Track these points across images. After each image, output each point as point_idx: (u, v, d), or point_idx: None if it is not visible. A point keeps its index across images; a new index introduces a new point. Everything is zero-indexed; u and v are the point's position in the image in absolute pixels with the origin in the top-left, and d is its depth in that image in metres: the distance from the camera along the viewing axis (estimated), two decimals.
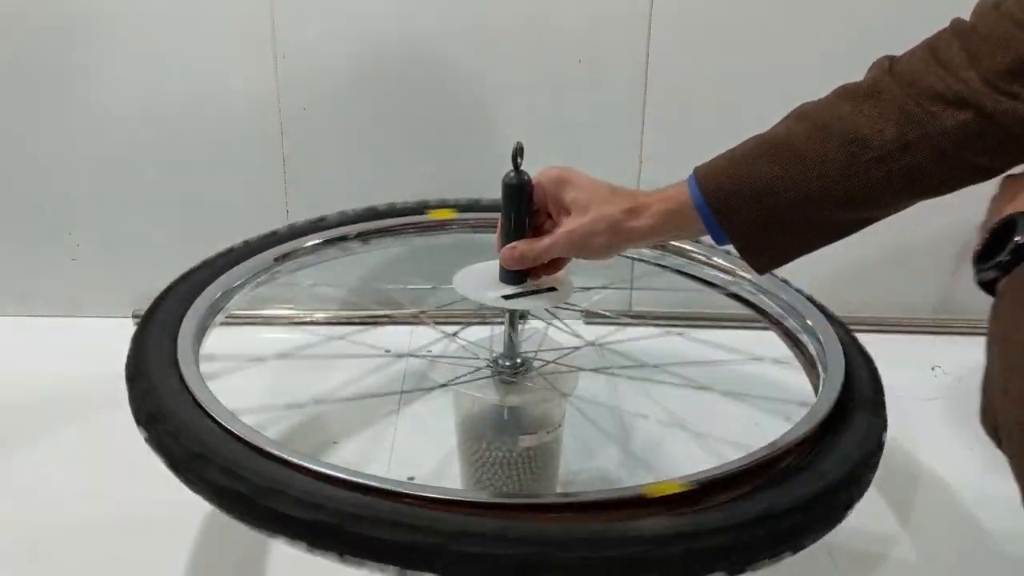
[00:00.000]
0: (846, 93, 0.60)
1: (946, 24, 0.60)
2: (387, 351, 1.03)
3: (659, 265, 0.93)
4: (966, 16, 0.59)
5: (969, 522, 0.85)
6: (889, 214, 0.62)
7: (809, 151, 0.58)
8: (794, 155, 0.59)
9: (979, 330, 1.27)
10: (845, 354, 0.72)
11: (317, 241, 0.91)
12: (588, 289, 0.92)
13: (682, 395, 0.97)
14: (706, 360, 0.96)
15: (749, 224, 0.61)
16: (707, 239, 0.65)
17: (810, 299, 0.84)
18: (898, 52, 1.15)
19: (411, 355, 0.91)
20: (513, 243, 0.69)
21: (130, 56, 1.07)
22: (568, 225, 0.67)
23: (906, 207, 0.61)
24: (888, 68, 0.58)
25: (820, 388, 0.70)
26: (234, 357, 0.73)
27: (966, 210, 1.22)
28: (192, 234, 1.15)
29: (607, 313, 1.09)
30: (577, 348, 0.82)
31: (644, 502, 0.54)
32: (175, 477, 0.57)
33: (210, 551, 0.78)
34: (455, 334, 0.82)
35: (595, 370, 0.89)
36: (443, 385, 0.76)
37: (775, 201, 0.59)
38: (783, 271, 0.87)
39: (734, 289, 0.89)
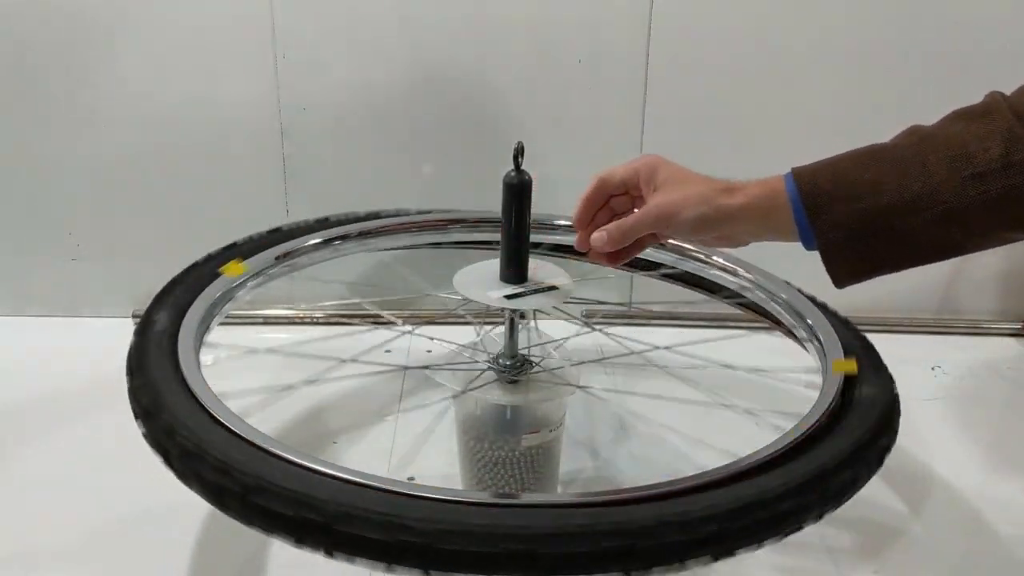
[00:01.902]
0: (959, 114, 0.60)
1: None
2: (387, 351, 1.03)
3: (658, 265, 0.93)
4: None
5: (969, 522, 0.85)
6: (979, 245, 0.59)
7: (912, 160, 0.58)
8: (896, 163, 0.59)
9: (979, 330, 1.28)
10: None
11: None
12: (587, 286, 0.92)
13: (682, 394, 0.97)
14: (706, 358, 0.96)
15: (839, 226, 0.59)
16: (793, 246, 0.63)
17: (811, 299, 0.84)
18: (898, 51, 1.16)
19: (412, 368, 0.91)
20: (601, 228, 0.67)
21: (130, 56, 1.07)
22: (657, 199, 0.65)
23: (998, 241, 0.59)
24: (1002, 97, 0.59)
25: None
26: (234, 356, 0.73)
27: None
28: (192, 234, 1.14)
29: (607, 303, 1.09)
30: (569, 337, 0.81)
31: None
32: (173, 475, 0.57)
33: (210, 551, 0.78)
34: (461, 345, 0.82)
35: (597, 360, 0.89)
36: (459, 392, 0.75)
37: (870, 204, 0.58)
38: (783, 272, 0.88)
39: (734, 289, 0.89)
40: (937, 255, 0.60)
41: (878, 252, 0.60)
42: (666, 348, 0.90)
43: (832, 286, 0.63)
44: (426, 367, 0.80)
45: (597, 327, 0.86)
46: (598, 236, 0.67)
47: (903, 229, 0.58)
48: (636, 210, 0.68)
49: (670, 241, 0.92)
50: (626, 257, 0.69)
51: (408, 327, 1.01)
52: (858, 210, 0.58)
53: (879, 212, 0.58)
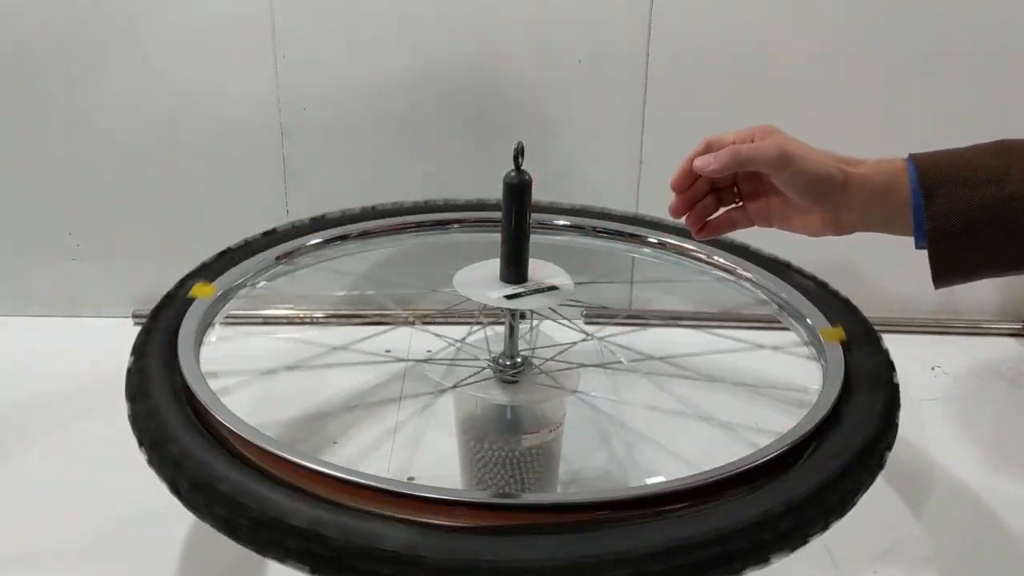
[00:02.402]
0: None
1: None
2: (387, 350, 1.03)
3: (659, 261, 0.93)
4: None
5: (970, 522, 0.85)
6: None
7: None
8: (1022, 153, 0.55)
9: (979, 330, 1.28)
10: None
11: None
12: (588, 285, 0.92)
13: (680, 395, 0.97)
14: (706, 356, 0.96)
15: (956, 212, 0.55)
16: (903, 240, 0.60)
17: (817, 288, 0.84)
18: (898, 51, 1.16)
19: (407, 359, 0.91)
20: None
21: (130, 56, 1.07)
22: (779, 138, 0.60)
23: None
24: None
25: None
26: (233, 358, 0.73)
27: None
28: (192, 234, 1.15)
29: (607, 308, 1.09)
30: (574, 343, 0.81)
31: None
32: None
33: (211, 550, 0.78)
34: (460, 338, 0.82)
35: (598, 365, 0.89)
36: (448, 387, 0.75)
37: (993, 192, 0.54)
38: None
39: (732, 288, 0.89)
40: None
41: (993, 246, 0.55)
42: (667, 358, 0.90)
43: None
44: (425, 360, 0.80)
45: (599, 336, 0.86)
46: (703, 159, 0.61)
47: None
48: (739, 202, 0.64)
49: (670, 242, 0.93)
50: (715, 231, 0.65)
51: (408, 327, 1.01)
52: (979, 197, 0.54)
53: (1003, 202, 0.54)
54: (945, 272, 0.58)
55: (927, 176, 0.56)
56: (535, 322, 0.83)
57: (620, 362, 0.85)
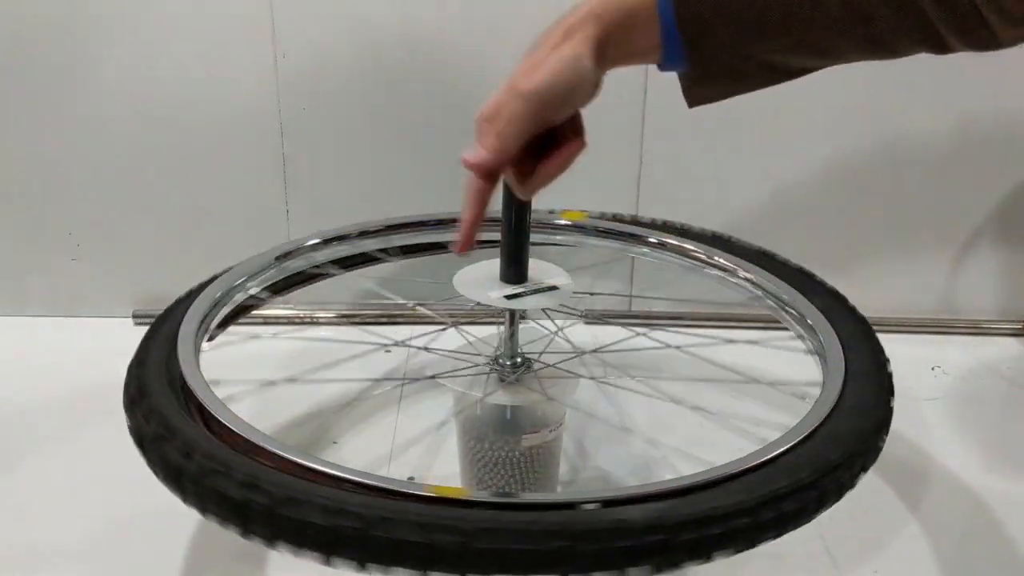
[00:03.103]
0: None
1: None
2: (387, 351, 1.03)
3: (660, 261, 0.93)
4: None
5: (969, 522, 0.85)
6: (836, 55, 0.55)
7: None
8: None
9: (979, 330, 1.28)
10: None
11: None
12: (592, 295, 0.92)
13: (680, 395, 0.97)
14: (707, 357, 0.96)
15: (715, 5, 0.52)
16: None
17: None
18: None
19: (408, 345, 0.90)
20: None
21: (130, 56, 1.07)
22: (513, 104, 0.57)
23: (852, 56, 0.55)
24: None
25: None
26: (233, 358, 0.73)
27: (965, 210, 1.23)
28: (192, 234, 1.15)
29: (607, 311, 1.09)
30: (580, 353, 0.81)
31: None
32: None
33: (211, 550, 0.78)
34: (451, 326, 0.82)
35: (594, 378, 0.89)
36: (434, 377, 0.75)
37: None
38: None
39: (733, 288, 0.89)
40: (798, 62, 0.54)
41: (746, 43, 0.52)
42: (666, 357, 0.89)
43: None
44: (432, 377, 0.80)
45: (597, 322, 0.86)
46: (469, 159, 0.59)
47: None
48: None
49: (671, 242, 0.92)
50: (536, 182, 0.61)
51: (407, 327, 1.01)
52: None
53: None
54: (698, 77, 0.56)
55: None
56: (530, 322, 0.83)
57: (608, 381, 0.84)
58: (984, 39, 0.53)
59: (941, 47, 0.54)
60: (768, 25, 0.52)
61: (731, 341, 0.82)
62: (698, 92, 0.58)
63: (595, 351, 0.82)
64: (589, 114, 1.12)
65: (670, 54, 0.56)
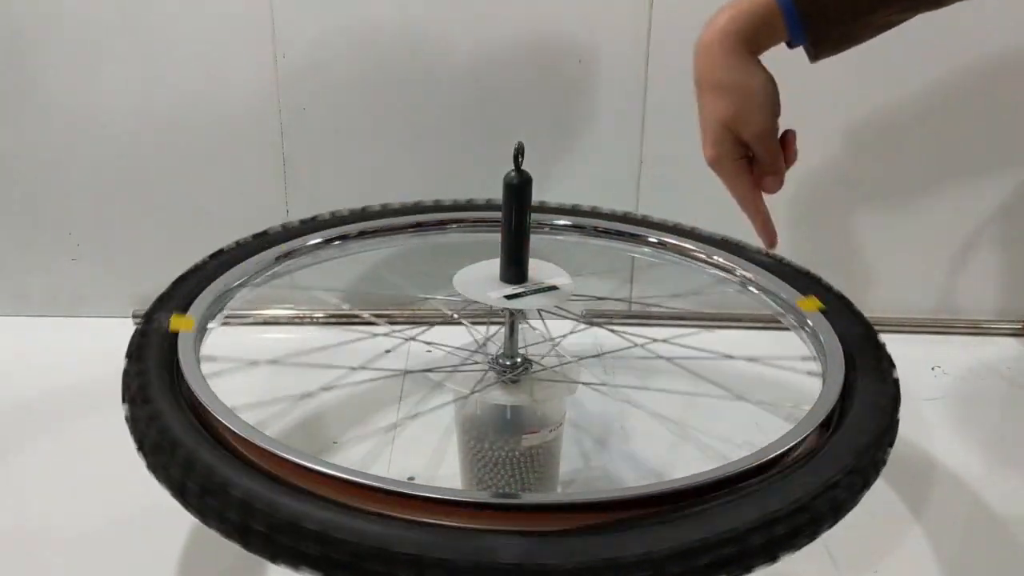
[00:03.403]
0: None
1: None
2: (387, 351, 1.03)
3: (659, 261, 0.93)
4: None
5: (970, 522, 0.85)
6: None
7: None
8: None
9: (979, 330, 1.28)
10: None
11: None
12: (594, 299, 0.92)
13: (682, 393, 0.97)
14: (706, 360, 0.96)
15: None
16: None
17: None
18: (901, 52, 1.15)
19: (412, 339, 0.90)
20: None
21: (130, 56, 1.07)
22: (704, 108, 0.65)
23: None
24: None
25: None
26: (233, 358, 0.73)
27: (965, 210, 1.23)
28: (192, 234, 1.15)
29: (607, 311, 1.09)
30: (580, 359, 0.81)
31: None
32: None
33: (211, 550, 0.78)
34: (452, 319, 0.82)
35: (595, 380, 0.89)
36: (467, 394, 0.75)
37: None
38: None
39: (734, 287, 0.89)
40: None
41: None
42: (663, 341, 0.89)
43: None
44: (428, 370, 0.80)
45: (597, 322, 0.86)
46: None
47: None
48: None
49: (670, 241, 0.92)
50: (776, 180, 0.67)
51: (407, 327, 1.00)
52: None
53: None
54: (827, 37, 0.62)
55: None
56: (529, 322, 0.83)
57: (604, 385, 0.84)
58: None
59: None
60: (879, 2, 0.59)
61: (730, 356, 0.82)
62: (820, 53, 0.64)
63: (595, 356, 0.82)
64: (589, 114, 1.12)
65: (794, 32, 0.62)
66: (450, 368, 0.78)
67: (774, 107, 0.64)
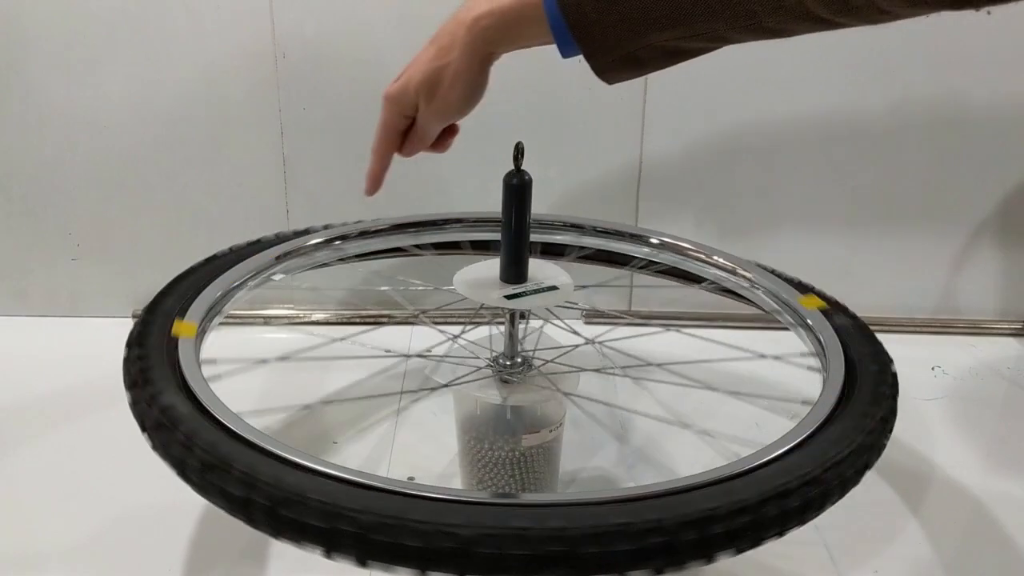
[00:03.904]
0: None
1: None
2: (387, 351, 1.03)
3: (658, 262, 0.93)
4: None
5: (970, 522, 0.85)
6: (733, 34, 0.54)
7: None
8: None
9: (979, 330, 1.28)
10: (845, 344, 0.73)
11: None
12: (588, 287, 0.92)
13: (682, 394, 0.97)
14: (706, 359, 0.96)
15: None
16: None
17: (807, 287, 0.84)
18: (900, 51, 1.15)
19: (414, 355, 0.91)
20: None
21: (130, 55, 1.07)
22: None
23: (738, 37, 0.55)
24: None
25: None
26: (233, 359, 0.73)
27: (965, 211, 1.23)
28: (192, 234, 1.15)
29: (608, 312, 1.09)
30: (576, 346, 0.81)
31: None
32: (179, 479, 0.57)
33: (210, 549, 0.78)
34: (456, 336, 0.82)
35: (597, 370, 0.89)
36: (445, 385, 0.76)
37: None
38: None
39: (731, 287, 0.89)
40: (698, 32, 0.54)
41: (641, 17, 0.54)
42: (664, 364, 0.90)
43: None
44: (424, 354, 0.80)
45: (598, 343, 0.86)
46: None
47: None
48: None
49: (667, 240, 0.92)
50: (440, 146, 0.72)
51: (407, 327, 1.01)
52: None
53: None
54: (605, 60, 0.58)
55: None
56: (534, 322, 0.83)
57: (614, 370, 0.84)
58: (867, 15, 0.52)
59: (830, 25, 0.54)
60: (654, 21, 0.54)
61: (729, 357, 0.82)
62: (607, 75, 0.61)
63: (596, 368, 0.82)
64: (589, 114, 1.13)
65: (566, 49, 0.59)
66: (450, 368, 0.78)
67: (467, 108, 0.67)
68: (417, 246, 0.94)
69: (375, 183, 0.72)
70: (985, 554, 0.81)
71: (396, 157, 0.74)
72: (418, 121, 0.68)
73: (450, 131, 0.72)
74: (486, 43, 0.61)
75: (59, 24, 1.06)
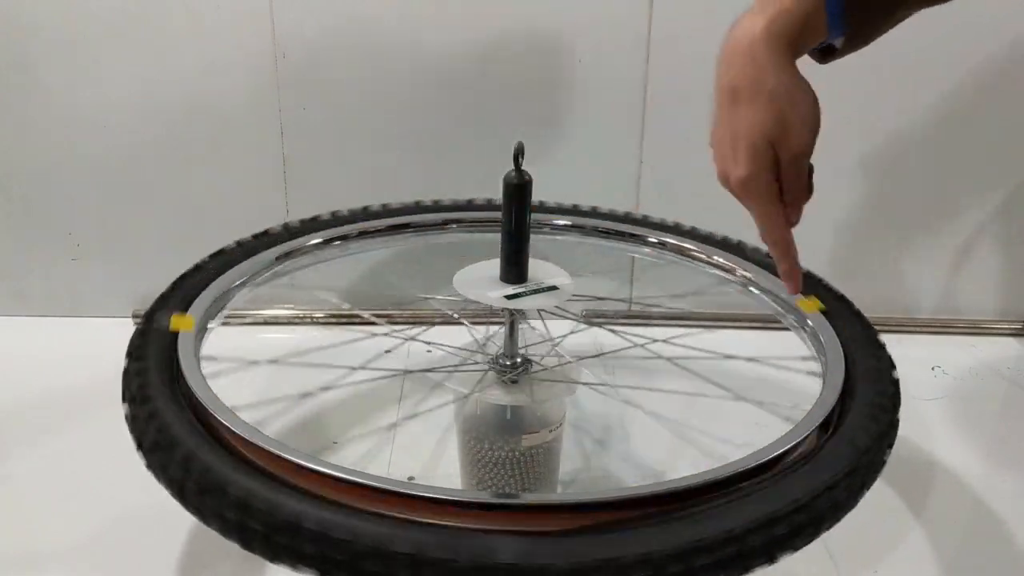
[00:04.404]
0: None
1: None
2: (387, 351, 1.03)
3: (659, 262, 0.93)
4: None
5: (970, 522, 0.85)
6: None
7: None
8: None
9: (979, 330, 1.28)
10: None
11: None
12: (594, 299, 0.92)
13: (682, 393, 0.97)
14: (706, 360, 0.96)
15: None
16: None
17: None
18: (903, 54, 1.15)
19: (412, 339, 0.91)
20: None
21: (130, 55, 1.07)
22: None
23: None
24: None
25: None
26: (233, 359, 0.73)
27: (965, 210, 1.23)
28: (192, 234, 1.15)
29: (607, 312, 1.09)
30: (569, 333, 0.81)
31: None
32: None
33: (210, 550, 0.78)
34: (452, 322, 0.82)
35: (595, 380, 0.89)
36: (442, 384, 0.76)
37: None
38: None
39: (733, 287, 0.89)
40: None
41: None
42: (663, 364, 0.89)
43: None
44: (428, 370, 0.80)
45: (596, 322, 0.86)
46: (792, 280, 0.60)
47: None
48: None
49: (670, 241, 0.92)
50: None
51: (407, 327, 1.00)
52: None
53: None
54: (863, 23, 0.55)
55: None
56: (529, 322, 0.83)
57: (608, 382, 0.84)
58: None
59: None
60: None
61: (730, 356, 0.82)
62: (847, 48, 0.58)
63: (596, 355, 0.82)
64: (589, 114, 1.12)
65: (835, 31, 0.56)
66: (450, 368, 0.78)
67: (817, 123, 0.57)
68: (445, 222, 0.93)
69: (796, 273, 0.62)
70: (985, 554, 0.81)
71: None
72: (786, 173, 0.58)
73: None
74: (788, 43, 0.55)
75: (59, 24, 1.06)
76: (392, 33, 1.08)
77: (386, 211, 0.93)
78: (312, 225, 0.90)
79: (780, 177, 0.58)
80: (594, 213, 0.97)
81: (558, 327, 0.86)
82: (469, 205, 0.96)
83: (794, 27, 0.54)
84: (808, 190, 0.59)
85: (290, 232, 0.88)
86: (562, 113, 1.12)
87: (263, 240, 0.87)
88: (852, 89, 1.11)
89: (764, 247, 0.67)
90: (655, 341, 0.84)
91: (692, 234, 0.93)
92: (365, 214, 0.92)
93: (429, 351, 0.99)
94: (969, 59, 1.09)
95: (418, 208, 0.94)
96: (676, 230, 0.94)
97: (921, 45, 1.09)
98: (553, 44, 1.09)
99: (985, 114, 1.12)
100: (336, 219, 0.91)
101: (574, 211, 0.97)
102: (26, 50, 1.07)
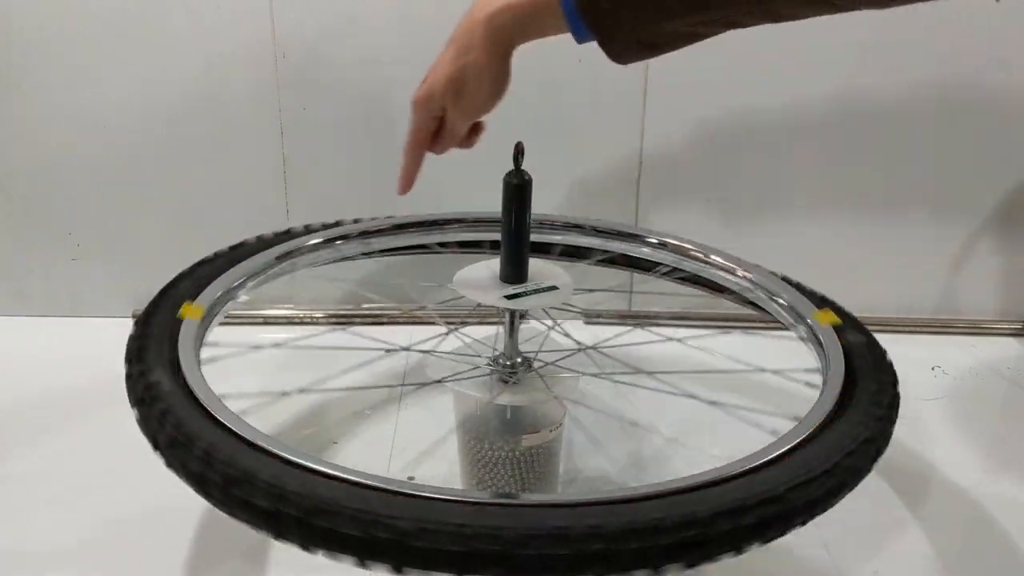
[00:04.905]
0: None
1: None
2: (387, 351, 1.03)
3: (656, 264, 0.93)
4: None
5: (969, 522, 0.85)
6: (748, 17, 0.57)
7: None
8: None
9: (979, 330, 1.28)
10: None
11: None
12: (591, 291, 0.92)
13: (682, 395, 0.97)
14: (706, 361, 0.96)
15: None
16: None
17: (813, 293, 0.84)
18: (901, 50, 1.15)
19: (411, 349, 0.91)
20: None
21: (130, 55, 1.07)
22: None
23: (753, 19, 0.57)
24: None
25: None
26: (232, 358, 0.73)
27: (965, 211, 1.23)
28: (192, 234, 1.15)
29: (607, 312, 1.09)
30: (577, 350, 0.81)
31: None
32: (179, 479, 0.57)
33: (210, 550, 0.78)
34: (450, 330, 0.82)
35: (595, 375, 0.89)
36: (439, 381, 0.76)
37: None
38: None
39: (734, 289, 0.89)
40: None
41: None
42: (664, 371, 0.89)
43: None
44: (429, 371, 0.80)
45: (596, 322, 0.86)
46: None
47: None
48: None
49: (670, 241, 0.92)
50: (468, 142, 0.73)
51: (407, 327, 1.00)
52: None
53: None
54: (614, 35, 0.59)
55: None
56: (537, 325, 0.83)
57: (614, 375, 0.84)
58: None
59: (837, 8, 0.56)
60: (668, 9, 0.55)
61: (730, 358, 0.82)
62: (621, 59, 0.62)
63: (595, 346, 0.82)
64: (589, 114, 1.12)
65: (581, 36, 0.60)
66: (450, 368, 0.78)
67: (486, 104, 0.67)
68: (441, 244, 0.94)
69: (408, 183, 0.72)
70: (985, 554, 0.81)
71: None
72: (447, 121, 0.69)
73: (476, 128, 0.73)
74: (504, 37, 0.63)
75: (59, 24, 1.06)
76: (392, 33, 1.08)
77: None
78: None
79: (443, 122, 0.69)
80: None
81: (558, 328, 0.87)
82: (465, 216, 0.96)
83: (515, 23, 0.62)
84: (460, 143, 0.72)
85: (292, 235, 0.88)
86: (562, 113, 1.12)
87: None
88: (851, 88, 1.11)
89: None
90: (655, 342, 0.84)
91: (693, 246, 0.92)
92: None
93: (429, 352, 0.99)
94: (969, 59, 1.09)
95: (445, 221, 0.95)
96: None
97: (921, 45, 1.09)
98: (553, 44, 1.09)
99: (985, 114, 1.12)
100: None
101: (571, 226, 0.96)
102: (26, 50, 1.07)
